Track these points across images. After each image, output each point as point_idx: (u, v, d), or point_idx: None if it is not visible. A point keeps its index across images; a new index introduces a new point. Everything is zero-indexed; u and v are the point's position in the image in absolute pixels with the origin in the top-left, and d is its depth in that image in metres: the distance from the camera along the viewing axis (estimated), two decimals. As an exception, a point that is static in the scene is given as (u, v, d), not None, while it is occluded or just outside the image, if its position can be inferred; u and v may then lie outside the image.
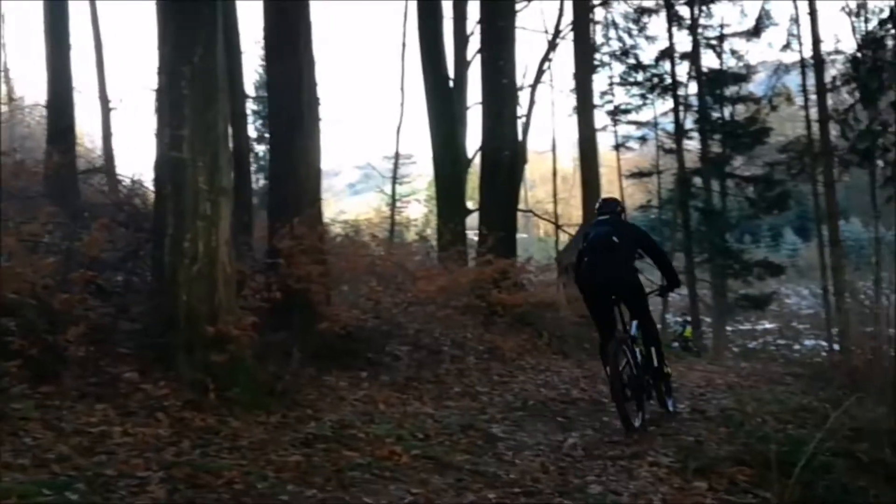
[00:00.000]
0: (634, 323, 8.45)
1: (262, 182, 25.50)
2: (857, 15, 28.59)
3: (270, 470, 5.49)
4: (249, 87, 23.52)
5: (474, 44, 19.45)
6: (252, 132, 23.38)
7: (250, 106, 23.31)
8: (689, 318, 24.79)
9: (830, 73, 28.95)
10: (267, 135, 21.68)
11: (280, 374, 7.49)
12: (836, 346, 19.12)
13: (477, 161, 17.49)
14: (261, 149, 29.77)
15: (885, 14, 27.81)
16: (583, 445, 7.36)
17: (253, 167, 22.01)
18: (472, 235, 16.95)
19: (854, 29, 28.86)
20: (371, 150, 79.62)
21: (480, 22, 16.75)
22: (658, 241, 10.77)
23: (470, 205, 19.77)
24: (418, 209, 36.69)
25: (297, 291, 8.71)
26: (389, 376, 9.22)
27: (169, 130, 7.04)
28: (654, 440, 7.54)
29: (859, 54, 28.37)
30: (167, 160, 7.07)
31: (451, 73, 20.21)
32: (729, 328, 30.61)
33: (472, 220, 17.28)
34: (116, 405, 6.09)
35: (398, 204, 30.53)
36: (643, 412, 8.05)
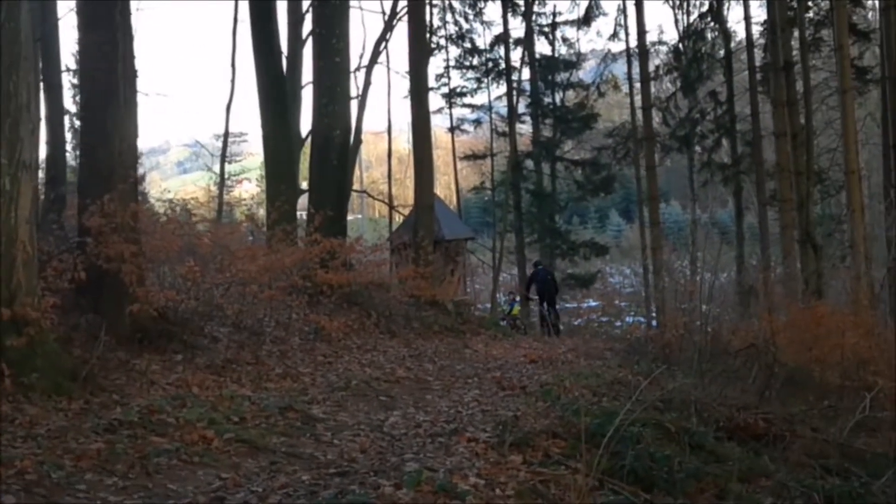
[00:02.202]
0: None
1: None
2: (680, 7, 29.84)
3: (68, 458, 5.18)
4: (69, 58, 22.25)
5: (310, 22, 19.12)
6: (71, 106, 22.15)
7: (70, 78, 22.07)
8: (517, 298, 25.28)
9: (654, 62, 30.13)
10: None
11: (86, 359, 7.11)
12: (654, 323, 19.93)
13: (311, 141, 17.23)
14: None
15: (706, 7, 29.15)
16: (404, 424, 7.34)
17: (73, 143, 20.98)
18: (304, 215, 16.71)
19: (677, 21, 30.16)
20: (202, 128, 77.12)
21: (314, -2, 16.49)
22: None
23: (304, 185, 19.50)
24: (249, 188, 35.89)
25: (108, 272, 8.30)
26: (206, 359, 8.94)
27: (-39, 97, 6.53)
28: (475, 416, 7.59)
29: (681, 45, 29.62)
30: (-42, 129, 6.56)
31: (284, 50, 19.84)
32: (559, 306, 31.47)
33: (306, 201, 17.04)
34: None
35: (228, 183, 29.83)
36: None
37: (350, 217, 22.03)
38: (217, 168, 27.79)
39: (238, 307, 10.40)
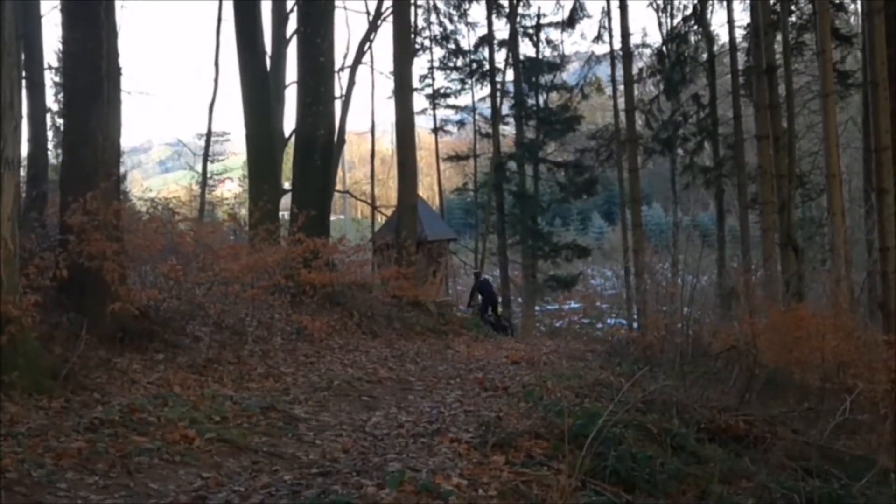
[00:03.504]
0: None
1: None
2: (664, 11, 29.95)
3: (49, 457, 5.16)
4: (51, 56, 22.13)
5: (294, 21, 19.08)
6: (54, 104, 22.02)
7: (52, 77, 21.96)
8: (499, 297, 25.34)
9: (638, 65, 30.19)
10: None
11: (67, 357, 7.08)
12: (635, 325, 19.99)
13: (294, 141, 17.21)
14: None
15: (689, 11, 29.26)
16: (386, 424, 7.33)
17: (55, 141, 20.84)
18: (287, 215, 16.67)
19: (660, 24, 30.27)
20: (184, 127, 76.61)
21: (298, -2, 16.47)
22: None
23: (287, 185, 19.46)
24: (232, 188, 35.78)
25: (89, 270, 8.26)
26: (188, 358, 8.91)
27: (-60, 94, 6.48)
28: (457, 417, 7.59)
29: (664, 48, 29.73)
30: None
31: (268, 49, 19.77)
32: (537, 308, 31.57)
33: (289, 200, 17.02)
34: None
35: (210, 182, 29.73)
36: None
37: (333, 217, 21.97)
38: (199, 167, 27.71)
39: (220, 306, 10.35)
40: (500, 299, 23.77)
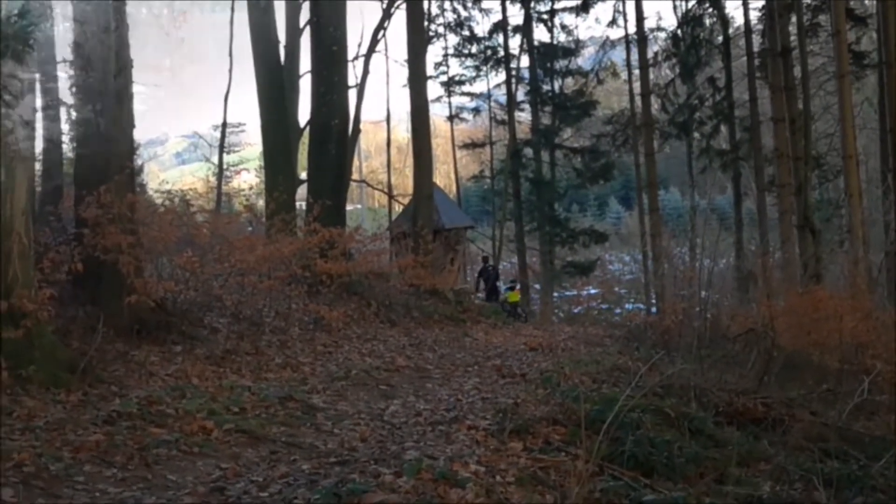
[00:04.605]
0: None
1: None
2: (678, -7, 29.70)
3: (67, 450, 5.19)
4: (66, 50, 22.14)
5: (307, 11, 19.05)
6: (68, 97, 22.04)
7: (66, 69, 21.98)
8: (514, 283, 25.29)
9: (653, 49, 29.99)
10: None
11: (84, 350, 7.10)
12: (653, 309, 19.93)
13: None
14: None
15: (704, -7, 29.00)
16: (404, 412, 7.34)
17: (69, 134, 20.87)
18: (303, 205, 16.68)
19: (675, 7, 30.00)
20: (200, 118, 76.61)
21: (311, -13, 16.45)
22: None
23: (303, 175, 19.47)
24: (248, 179, 35.79)
25: (105, 263, 8.28)
26: (205, 349, 8.93)
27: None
28: (475, 404, 7.59)
29: (679, 32, 29.50)
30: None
31: (282, 39, 19.77)
32: (555, 294, 31.46)
33: (305, 191, 17.02)
34: None
35: (226, 173, 29.74)
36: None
37: (349, 207, 22.02)
38: (215, 159, 27.70)
39: (237, 298, 10.39)
40: (501, 283, 23.74)
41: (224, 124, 26.79)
